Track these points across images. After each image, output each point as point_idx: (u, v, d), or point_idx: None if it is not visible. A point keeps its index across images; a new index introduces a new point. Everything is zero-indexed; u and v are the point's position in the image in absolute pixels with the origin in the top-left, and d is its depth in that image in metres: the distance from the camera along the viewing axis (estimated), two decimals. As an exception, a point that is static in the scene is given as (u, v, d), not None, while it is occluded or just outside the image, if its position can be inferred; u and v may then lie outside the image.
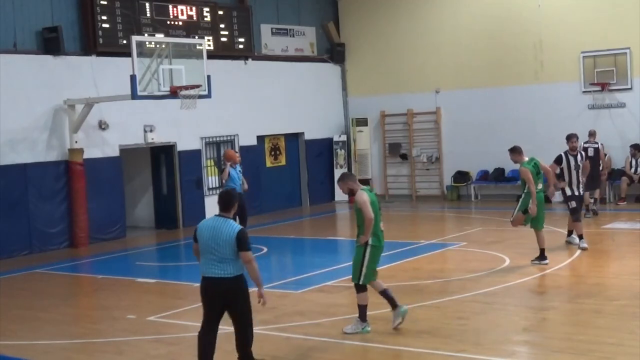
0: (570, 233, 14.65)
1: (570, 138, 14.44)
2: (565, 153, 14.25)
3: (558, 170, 14.33)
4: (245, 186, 16.55)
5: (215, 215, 7.94)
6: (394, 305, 9.66)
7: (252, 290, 7.91)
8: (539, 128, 21.98)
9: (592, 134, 19.19)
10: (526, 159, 13.13)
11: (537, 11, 21.81)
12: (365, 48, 24.87)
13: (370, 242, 9.50)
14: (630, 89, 20.79)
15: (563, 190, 14.41)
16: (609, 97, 21.04)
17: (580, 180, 14.23)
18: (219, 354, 9.02)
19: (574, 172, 14.15)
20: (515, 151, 13.25)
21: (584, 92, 21.33)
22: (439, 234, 17.23)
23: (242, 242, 7.70)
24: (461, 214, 20.93)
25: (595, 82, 20.95)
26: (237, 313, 7.87)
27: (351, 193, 9.61)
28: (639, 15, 20.38)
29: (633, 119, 20.83)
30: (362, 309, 9.57)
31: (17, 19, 17.30)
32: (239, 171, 16.50)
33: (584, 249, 13.90)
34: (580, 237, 14.11)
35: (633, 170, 20.47)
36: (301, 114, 23.84)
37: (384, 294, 9.70)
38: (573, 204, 14.19)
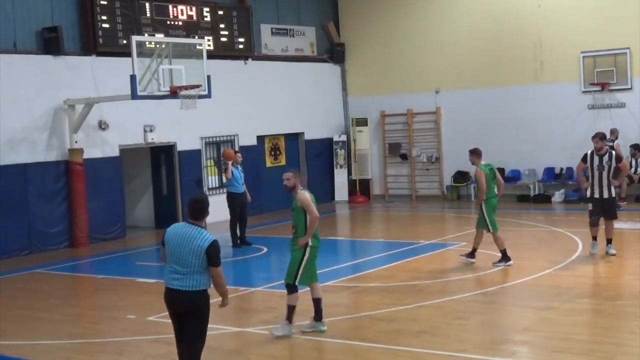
0: (609, 242, 13.57)
1: (593, 138, 13.62)
2: (592, 152, 13.51)
3: (586, 169, 13.68)
4: (248, 197, 16.63)
5: (186, 222, 7.35)
6: (318, 317, 9.65)
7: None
8: (539, 128, 22.00)
9: (612, 132, 19.27)
10: (483, 162, 13.44)
11: (537, 11, 21.81)
12: (365, 48, 24.87)
13: (310, 243, 9.48)
14: (630, 89, 20.80)
15: (586, 190, 13.67)
16: (609, 97, 21.05)
17: (604, 183, 13.30)
18: (219, 354, 9.03)
19: (596, 173, 13.34)
20: (475, 153, 13.56)
21: (584, 92, 21.34)
22: (439, 234, 17.23)
23: (212, 258, 7.12)
24: (461, 214, 20.92)
25: (595, 82, 20.95)
26: (192, 329, 7.25)
27: (291, 189, 9.57)
28: (639, 15, 20.39)
29: (633, 119, 20.83)
30: (291, 310, 9.55)
31: (17, 19, 17.30)
32: (241, 170, 16.57)
33: (592, 254, 13.46)
34: (594, 238, 13.58)
35: (633, 170, 20.47)
36: (301, 114, 23.84)
37: (317, 302, 9.66)
38: (589, 206, 13.55)
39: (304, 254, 9.48)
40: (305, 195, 9.50)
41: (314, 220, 9.41)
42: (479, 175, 13.24)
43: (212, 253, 7.13)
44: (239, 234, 16.64)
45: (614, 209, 13.59)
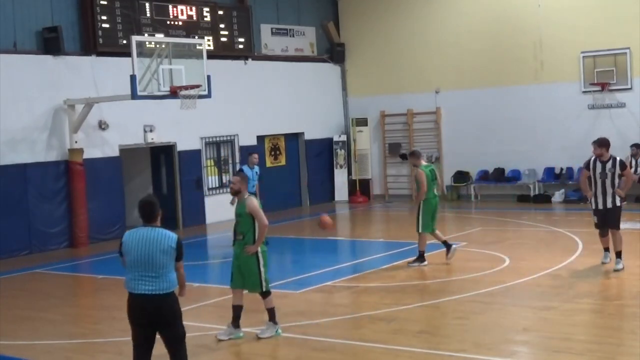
0: (617, 255, 12.64)
1: (593, 143, 12.61)
2: (595, 158, 12.48)
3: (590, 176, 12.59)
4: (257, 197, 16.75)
5: (142, 225, 7.19)
6: (236, 324, 9.53)
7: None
8: (539, 128, 22.00)
9: None
10: (424, 163, 13.71)
11: (537, 11, 21.81)
12: (365, 48, 24.87)
13: (259, 249, 9.41)
14: (630, 89, 20.81)
15: (590, 200, 12.70)
16: (608, 97, 21.04)
17: (608, 192, 12.38)
18: (218, 354, 9.03)
19: (598, 181, 12.38)
20: (414, 155, 13.83)
21: (584, 92, 21.34)
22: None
23: (181, 252, 7.12)
24: (461, 214, 20.91)
25: (595, 82, 20.96)
26: (171, 334, 7.14)
27: (236, 193, 9.47)
28: (639, 15, 20.39)
29: (633, 119, 20.83)
30: (273, 312, 9.56)
31: (17, 19, 17.30)
32: (255, 172, 16.62)
33: (603, 264, 12.79)
34: (606, 249, 12.85)
35: (633, 170, 20.45)
36: (301, 114, 23.84)
37: (239, 309, 9.55)
38: (595, 219, 12.71)
39: (258, 260, 9.42)
40: (254, 203, 9.41)
41: (264, 228, 9.36)
42: (420, 176, 13.41)
43: (180, 248, 7.14)
44: None
45: (616, 219, 12.63)
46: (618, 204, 12.59)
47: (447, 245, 13.58)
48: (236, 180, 9.55)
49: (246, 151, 21.46)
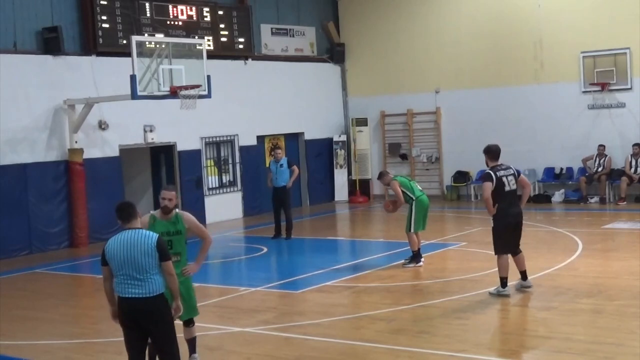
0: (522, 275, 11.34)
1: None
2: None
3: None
4: (288, 185, 17.52)
5: (123, 229, 7.14)
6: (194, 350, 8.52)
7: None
8: (539, 128, 22.00)
9: None
10: (397, 174, 14.44)
11: (537, 11, 21.81)
12: (365, 48, 24.88)
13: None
14: (630, 89, 20.80)
15: None
16: (608, 97, 21.04)
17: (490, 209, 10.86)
18: (219, 354, 9.02)
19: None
20: (382, 175, 14.20)
21: (583, 92, 21.33)
22: (439, 234, 17.22)
23: (163, 251, 7.01)
24: (461, 214, 20.91)
25: (595, 82, 20.95)
26: (160, 337, 7.07)
27: (169, 210, 8.31)
28: (639, 15, 20.39)
29: (633, 119, 20.83)
30: (195, 342, 8.53)
31: (17, 19, 17.30)
32: (280, 165, 17.38)
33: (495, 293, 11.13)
34: (502, 280, 11.06)
35: (633, 170, 20.46)
36: (301, 114, 23.84)
37: (194, 341, 8.52)
38: None
39: (192, 281, 8.59)
40: (192, 217, 8.42)
41: (210, 243, 8.53)
42: (394, 187, 13.60)
43: (162, 247, 7.03)
44: (286, 226, 17.53)
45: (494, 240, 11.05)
46: (492, 223, 10.99)
47: (418, 255, 13.52)
48: (172, 195, 8.36)
49: (246, 151, 21.65)
